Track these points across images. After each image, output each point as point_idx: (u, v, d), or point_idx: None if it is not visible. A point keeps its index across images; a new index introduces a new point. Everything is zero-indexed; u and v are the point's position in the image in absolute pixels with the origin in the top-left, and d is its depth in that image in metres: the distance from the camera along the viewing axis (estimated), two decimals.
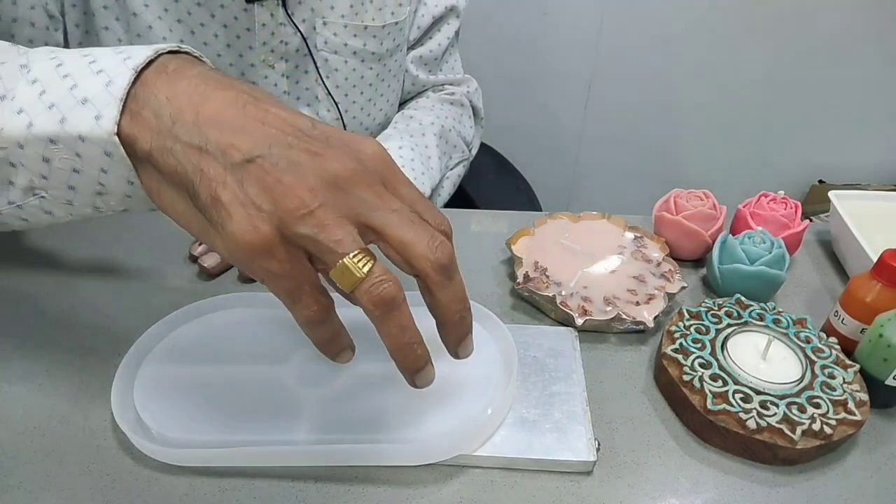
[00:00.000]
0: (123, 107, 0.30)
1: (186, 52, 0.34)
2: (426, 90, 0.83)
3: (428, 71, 0.81)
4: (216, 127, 0.30)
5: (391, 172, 0.33)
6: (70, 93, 0.31)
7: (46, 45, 0.58)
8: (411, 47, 0.78)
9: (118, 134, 0.30)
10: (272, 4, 0.62)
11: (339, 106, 0.72)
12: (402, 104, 0.83)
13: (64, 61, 0.32)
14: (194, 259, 0.54)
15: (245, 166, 0.29)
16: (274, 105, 0.32)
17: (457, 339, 0.35)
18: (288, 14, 0.64)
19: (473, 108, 0.87)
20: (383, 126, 0.79)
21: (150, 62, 0.31)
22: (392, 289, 0.30)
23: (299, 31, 0.65)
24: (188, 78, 0.31)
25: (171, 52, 0.33)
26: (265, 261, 0.29)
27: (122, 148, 0.30)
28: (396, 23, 0.71)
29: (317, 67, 0.69)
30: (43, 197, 0.33)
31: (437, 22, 0.78)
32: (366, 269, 0.30)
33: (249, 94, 0.32)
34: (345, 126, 0.74)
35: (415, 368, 0.34)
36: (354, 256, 0.29)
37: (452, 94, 0.83)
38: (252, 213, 0.29)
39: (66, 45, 0.61)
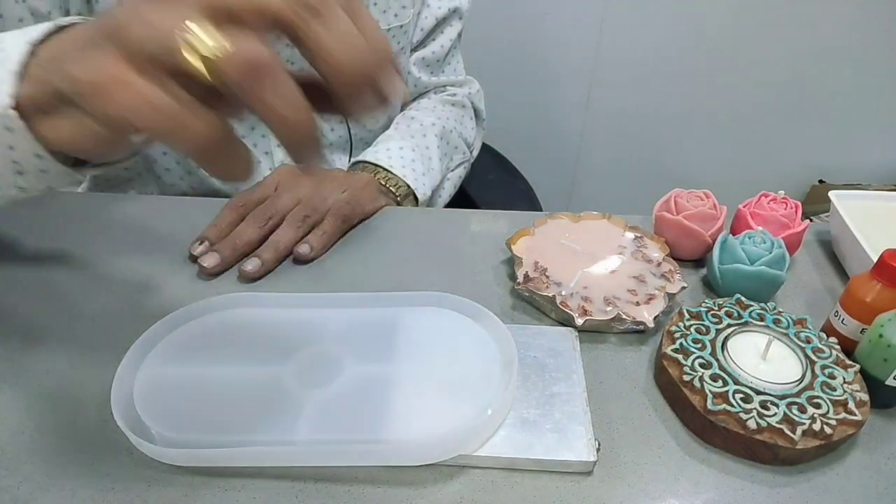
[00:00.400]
0: (22, 81, 0.30)
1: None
2: (428, 91, 0.84)
3: (430, 72, 0.81)
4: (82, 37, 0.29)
5: None
6: None
7: None
8: (414, 49, 0.78)
9: (17, 108, 0.30)
10: None
11: None
12: (404, 105, 0.83)
13: None
14: (194, 259, 0.54)
15: (101, 34, 0.27)
16: None
17: (351, 97, 0.29)
18: None
19: (475, 110, 0.87)
20: (385, 127, 0.79)
21: (50, 35, 0.31)
22: (255, 49, 0.26)
23: None
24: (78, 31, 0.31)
25: (73, 24, 0.32)
26: (123, 94, 0.26)
27: (19, 120, 0.30)
28: (401, 26, 0.71)
29: None
30: None
31: (440, 24, 0.78)
32: (213, 40, 0.25)
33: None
34: (349, 129, 0.73)
35: (299, 139, 0.29)
36: (195, 31, 0.25)
37: (454, 95, 0.83)
38: (97, 57, 0.27)
39: None
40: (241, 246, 0.54)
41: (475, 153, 0.88)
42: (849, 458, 0.41)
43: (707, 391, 0.41)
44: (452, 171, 0.81)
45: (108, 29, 0.27)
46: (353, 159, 0.75)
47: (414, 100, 0.83)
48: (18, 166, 0.33)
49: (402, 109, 0.82)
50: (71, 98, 0.29)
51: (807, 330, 0.46)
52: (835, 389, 0.41)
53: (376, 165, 0.68)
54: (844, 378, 0.42)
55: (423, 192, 0.69)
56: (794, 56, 1.38)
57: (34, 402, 0.42)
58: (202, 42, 0.25)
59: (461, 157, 0.82)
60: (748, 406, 0.40)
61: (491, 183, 0.96)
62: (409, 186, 0.68)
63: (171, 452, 0.38)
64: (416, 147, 0.72)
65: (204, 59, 0.25)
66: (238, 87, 0.26)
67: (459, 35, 0.82)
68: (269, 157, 0.72)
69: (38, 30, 0.32)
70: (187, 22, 0.25)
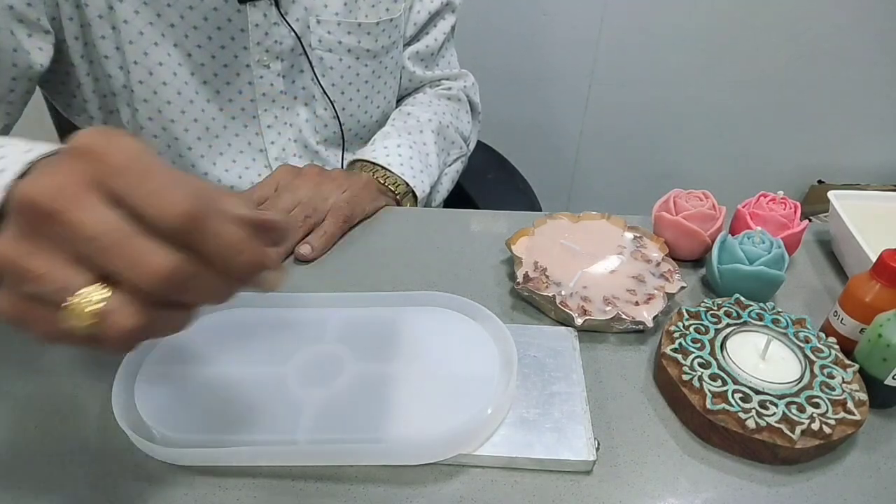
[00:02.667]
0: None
1: None
2: (423, 86, 0.84)
3: (424, 67, 0.81)
4: None
5: (123, 172, 0.27)
6: None
7: (30, 66, 0.58)
8: (408, 43, 0.78)
9: None
10: (265, 4, 0.62)
11: (336, 104, 0.72)
12: (400, 100, 0.83)
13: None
14: None
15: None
16: None
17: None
18: (281, 14, 0.64)
19: (470, 103, 0.87)
20: (380, 123, 0.79)
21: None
22: (126, 322, 0.27)
23: (293, 31, 0.65)
24: None
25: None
26: (30, 326, 0.28)
27: None
28: (391, 19, 0.71)
29: (312, 66, 0.69)
30: None
31: (433, 17, 0.78)
32: (93, 310, 0.27)
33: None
34: (341, 124, 0.74)
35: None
36: (79, 299, 0.27)
37: (449, 89, 0.83)
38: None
39: (67, 59, 0.62)
40: None
41: (471, 147, 0.88)
42: (848, 457, 0.41)
43: (706, 391, 0.41)
44: (449, 166, 0.81)
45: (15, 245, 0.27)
46: (351, 157, 0.75)
47: (409, 94, 0.84)
48: None
49: (397, 104, 0.82)
50: None
51: (806, 330, 0.46)
52: (834, 389, 0.41)
53: (374, 164, 0.68)
54: (843, 378, 0.42)
55: (421, 190, 0.69)
56: (793, 56, 1.38)
57: (35, 402, 0.42)
58: (82, 314, 0.27)
59: (458, 152, 0.82)
60: (747, 406, 0.40)
61: (490, 183, 0.96)
62: (407, 184, 0.68)
63: (171, 452, 0.38)
64: (413, 144, 0.72)
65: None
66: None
67: (453, 28, 0.82)
68: (264, 154, 0.72)
69: (36, 151, 0.31)
70: (79, 294, 0.27)
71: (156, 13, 0.60)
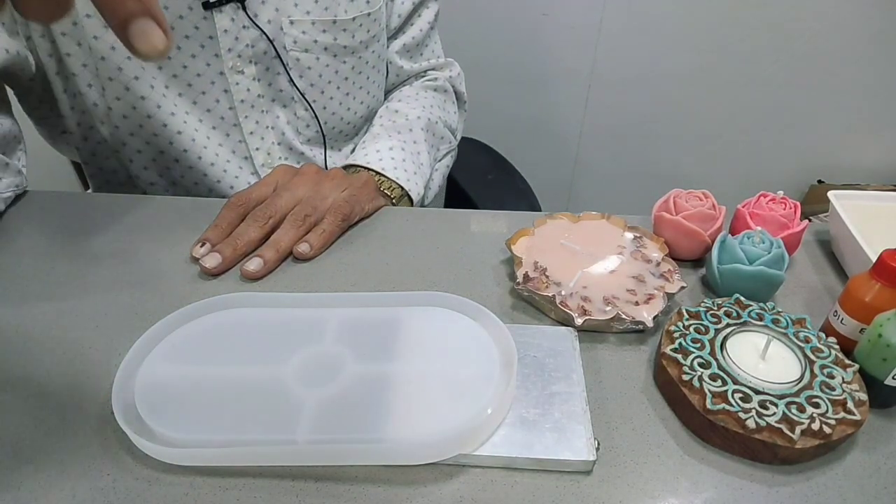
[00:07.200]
0: None
1: None
2: (409, 78, 0.83)
3: (410, 58, 0.81)
4: None
5: None
6: None
7: None
8: (392, 36, 0.78)
9: None
10: (232, 9, 0.62)
11: (315, 104, 0.71)
12: (387, 94, 0.82)
13: None
14: (195, 260, 0.54)
15: None
16: None
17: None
18: (250, 17, 0.63)
19: (456, 93, 0.86)
20: (365, 118, 0.78)
21: None
22: None
23: (264, 34, 0.64)
24: None
25: None
26: None
27: None
28: (369, 14, 0.70)
29: (287, 69, 0.68)
30: None
31: (418, 7, 0.77)
32: None
33: None
34: (320, 125, 0.73)
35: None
36: None
37: (435, 79, 0.82)
38: None
39: (44, 76, 0.62)
40: (242, 246, 0.54)
41: (458, 137, 0.87)
42: (848, 457, 0.41)
43: (706, 391, 0.41)
44: (440, 161, 0.81)
45: None
46: (335, 154, 0.74)
47: (396, 88, 0.83)
48: None
49: (385, 98, 0.81)
50: None
51: (806, 329, 0.46)
52: (834, 389, 0.41)
53: (368, 169, 0.68)
54: (843, 378, 0.42)
55: (416, 192, 0.69)
56: (792, 56, 1.39)
57: (35, 401, 0.42)
58: None
59: (447, 147, 0.82)
60: (747, 406, 0.40)
61: (490, 183, 0.96)
62: (402, 188, 0.68)
63: (171, 452, 0.38)
64: (404, 145, 0.71)
65: None
66: None
67: (436, 16, 0.81)
68: (249, 161, 0.71)
69: None
70: None
71: None
